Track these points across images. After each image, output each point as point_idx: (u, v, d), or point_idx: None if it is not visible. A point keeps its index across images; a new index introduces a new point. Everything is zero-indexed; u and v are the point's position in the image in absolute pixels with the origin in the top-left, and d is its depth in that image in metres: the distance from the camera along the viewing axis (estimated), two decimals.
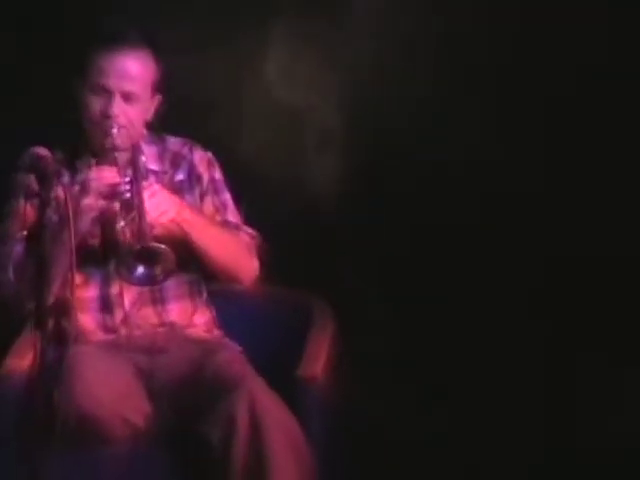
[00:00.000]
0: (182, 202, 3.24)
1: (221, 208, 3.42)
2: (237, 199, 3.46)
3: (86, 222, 3.16)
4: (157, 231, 3.15)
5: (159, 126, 3.46)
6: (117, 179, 3.15)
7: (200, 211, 3.35)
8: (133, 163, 3.24)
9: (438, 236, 3.81)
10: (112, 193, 3.14)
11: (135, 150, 3.27)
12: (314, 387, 3.14)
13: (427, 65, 3.79)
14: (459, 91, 3.81)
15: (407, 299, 3.78)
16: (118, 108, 3.21)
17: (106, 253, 3.27)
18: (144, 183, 3.20)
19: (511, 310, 3.84)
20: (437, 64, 3.80)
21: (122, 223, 3.18)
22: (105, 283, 3.28)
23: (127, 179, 3.16)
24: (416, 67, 3.78)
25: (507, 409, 3.79)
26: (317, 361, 3.21)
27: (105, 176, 3.15)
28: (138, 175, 3.19)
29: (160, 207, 3.14)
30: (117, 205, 3.19)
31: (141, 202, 3.11)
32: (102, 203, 3.15)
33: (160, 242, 3.10)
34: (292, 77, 3.79)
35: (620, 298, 3.83)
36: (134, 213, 3.12)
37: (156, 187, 3.19)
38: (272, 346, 3.35)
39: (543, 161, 3.87)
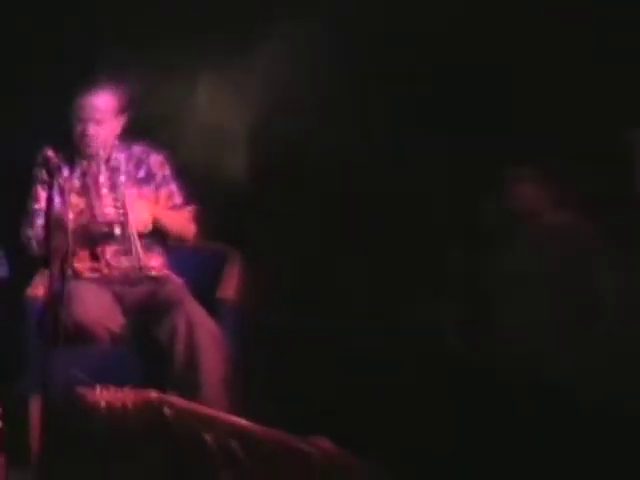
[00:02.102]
0: (150, 204, 3.57)
1: (171, 194, 3.66)
2: (181, 187, 3.65)
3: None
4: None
5: (127, 137, 3.64)
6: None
7: (158, 201, 3.62)
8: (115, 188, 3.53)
9: (315, 208, 3.82)
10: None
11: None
12: (228, 304, 3.42)
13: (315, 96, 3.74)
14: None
15: (290, 249, 3.81)
16: (92, 130, 3.53)
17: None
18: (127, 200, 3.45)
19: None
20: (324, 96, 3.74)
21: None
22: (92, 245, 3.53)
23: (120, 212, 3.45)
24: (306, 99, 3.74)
25: None
26: (229, 288, 3.48)
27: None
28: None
29: (141, 218, 3.48)
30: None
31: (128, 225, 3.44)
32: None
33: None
34: (217, 102, 3.87)
35: None
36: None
37: (138, 204, 3.50)
38: (202, 279, 3.56)
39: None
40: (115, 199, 3.51)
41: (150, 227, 3.46)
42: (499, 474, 2.81)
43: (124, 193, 3.51)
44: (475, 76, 3.55)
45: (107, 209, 3.52)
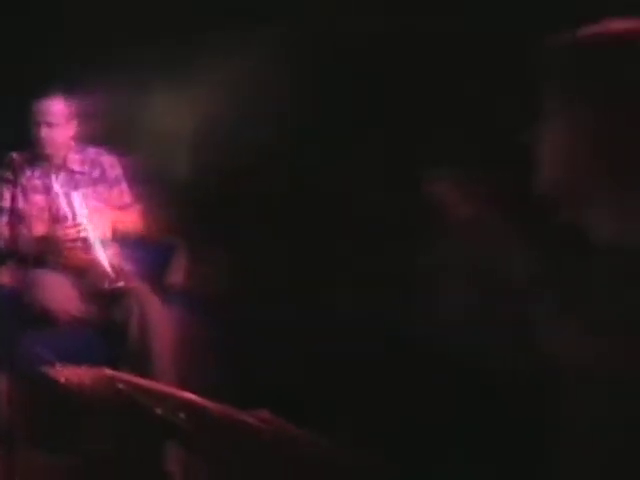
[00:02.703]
0: (107, 212, 3.63)
1: (121, 193, 3.74)
2: (132, 186, 3.72)
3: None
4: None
5: (84, 140, 3.72)
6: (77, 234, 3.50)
7: (113, 205, 3.69)
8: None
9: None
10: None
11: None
12: (176, 289, 3.52)
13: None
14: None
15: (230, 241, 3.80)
16: (45, 133, 3.59)
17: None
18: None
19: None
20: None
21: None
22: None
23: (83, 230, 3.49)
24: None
25: None
26: (177, 275, 3.58)
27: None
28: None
29: (102, 226, 3.54)
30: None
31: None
32: None
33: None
34: (166, 111, 3.92)
35: None
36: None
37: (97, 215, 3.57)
38: (152, 268, 3.61)
39: None
40: (74, 213, 3.53)
41: (110, 235, 3.53)
42: (438, 441, 2.84)
43: (84, 208, 3.54)
44: (397, 82, 3.58)
45: (68, 221, 3.53)
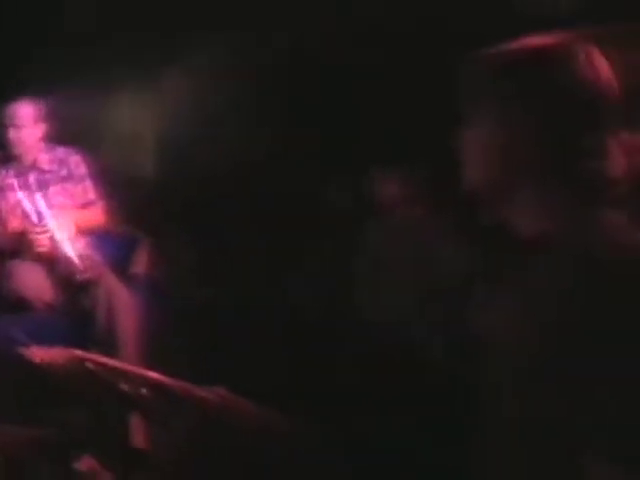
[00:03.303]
0: (72, 206, 3.68)
1: (86, 190, 3.77)
2: (97, 184, 3.74)
3: None
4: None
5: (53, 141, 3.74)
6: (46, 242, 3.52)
7: (79, 202, 3.73)
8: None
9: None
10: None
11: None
12: (140, 277, 3.61)
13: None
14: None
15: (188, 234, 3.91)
16: (13, 134, 3.65)
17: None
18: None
19: None
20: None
21: None
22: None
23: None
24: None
25: None
26: (140, 265, 3.65)
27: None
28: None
29: (68, 223, 3.56)
30: None
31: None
32: None
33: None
34: (131, 115, 4.00)
35: None
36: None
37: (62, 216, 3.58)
38: (118, 258, 3.67)
39: None
40: (40, 213, 3.56)
41: (76, 230, 3.55)
42: (365, 420, 2.88)
43: (49, 207, 3.58)
44: (339, 89, 3.64)
45: (36, 221, 3.56)
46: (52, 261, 3.54)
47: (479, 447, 1.82)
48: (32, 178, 3.70)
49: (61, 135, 3.77)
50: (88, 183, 3.79)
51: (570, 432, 1.58)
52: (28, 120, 3.66)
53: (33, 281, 3.48)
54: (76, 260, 3.52)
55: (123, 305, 3.40)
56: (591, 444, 1.56)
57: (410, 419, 2.77)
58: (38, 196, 3.60)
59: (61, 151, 3.80)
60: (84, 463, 2.75)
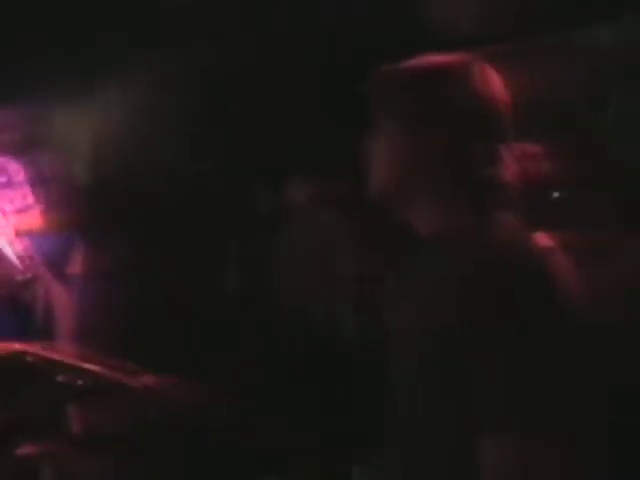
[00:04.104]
0: (11, 211, 3.63)
1: (25, 195, 3.69)
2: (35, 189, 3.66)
3: None
4: None
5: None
6: None
7: (18, 207, 3.65)
8: None
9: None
10: None
11: None
12: (76, 277, 3.47)
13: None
14: None
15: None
16: None
17: None
18: None
19: None
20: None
21: None
22: None
23: None
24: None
25: None
26: (77, 265, 3.52)
27: None
28: None
29: (7, 231, 3.54)
30: None
31: None
32: None
33: None
34: (69, 124, 3.85)
35: None
36: None
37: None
38: (56, 258, 3.58)
39: None
40: None
41: (15, 234, 3.51)
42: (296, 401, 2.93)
43: None
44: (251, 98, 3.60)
45: None
46: None
47: (382, 425, 1.87)
48: None
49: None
50: (27, 189, 3.71)
51: (465, 408, 1.64)
52: None
53: None
54: (16, 261, 3.47)
55: (60, 302, 3.36)
56: (483, 418, 1.61)
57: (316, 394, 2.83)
58: None
59: (1, 159, 3.74)
60: (24, 450, 2.73)
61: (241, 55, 3.53)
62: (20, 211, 3.70)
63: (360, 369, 2.53)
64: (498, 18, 2.99)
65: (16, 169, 3.75)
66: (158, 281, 3.62)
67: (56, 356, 2.79)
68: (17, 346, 2.72)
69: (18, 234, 3.59)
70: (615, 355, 1.95)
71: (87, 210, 3.73)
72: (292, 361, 2.96)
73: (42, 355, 2.74)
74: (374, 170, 1.92)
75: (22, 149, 3.80)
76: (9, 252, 3.48)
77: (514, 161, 1.92)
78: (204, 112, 3.66)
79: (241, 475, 2.83)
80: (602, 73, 3.00)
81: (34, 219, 3.70)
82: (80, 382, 2.65)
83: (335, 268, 3.07)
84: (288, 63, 3.42)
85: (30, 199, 3.72)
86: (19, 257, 3.46)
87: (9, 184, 3.72)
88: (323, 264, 3.13)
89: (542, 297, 1.67)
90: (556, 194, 2.59)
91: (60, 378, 2.66)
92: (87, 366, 2.72)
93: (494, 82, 1.86)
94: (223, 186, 3.56)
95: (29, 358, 2.69)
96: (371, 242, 2.92)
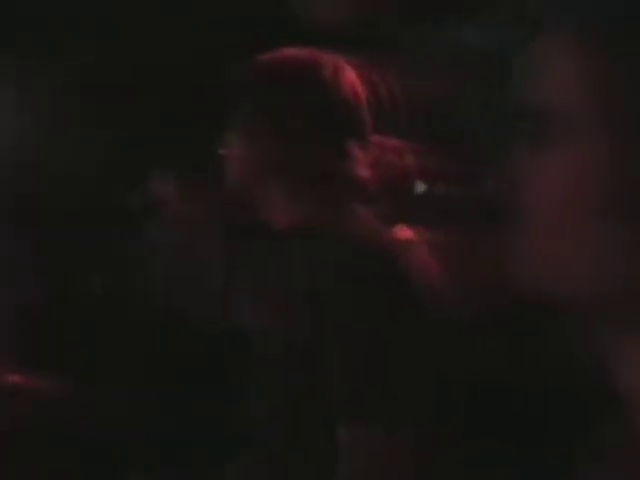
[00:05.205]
0: None
1: None
2: None
3: None
4: None
5: None
6: None
7: None
8: None
9: None
10: None
11: None
12: None
13: None
14: None
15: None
16: None
17: None
18: None
19: None
20: None
21: None
22: None
23: None
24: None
25: None
26: None
27: None
28: None
29: None
30: None
31: None
32: None
33: None
34: None
35: None
36: None
37: None
38: None
39: None
40: None
41: None
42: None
43: None
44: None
45: None
46: None
47: (247, 415, 1.91)
48: None
49: None
50: None
51: (329, 399, 1.66)
52: None
53: None
54: None
55: None
56: (350, 409, 1.63)
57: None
58: None
59: None
60: None
61: (108, 54, 3.52)
62: None
63: (226, 366, 2.54)
64: (367, 14, 3.03)
65: None
66: (30, 280, 3.56)
67: None
68: None
69: None
70: (474, 350, 1.97)
71: None
72: (159, 359, 2.97)
73: None
74: (229, 166, 1.92)
75: None
76: None
77: (372, 156, 1.92)
78: (74, 112, 3.62)
79: (109, 473, 2.79)
80: (469, 73, 3.05)
81: None
82: None
83: (198, 264, 3.10)
84: (151, 59, 3.42)
85: None
86: None
87: None
88: (187, 260, 3.15)
89: (394, 289, 1.68)
90: (422, 189, 2.61)
91: None
92: None
93: (348, 77, 1.87)
94: (92, 185, 3.55)
95: None
96: (229, 237, 2.95)
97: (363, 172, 1.84)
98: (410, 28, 3.08)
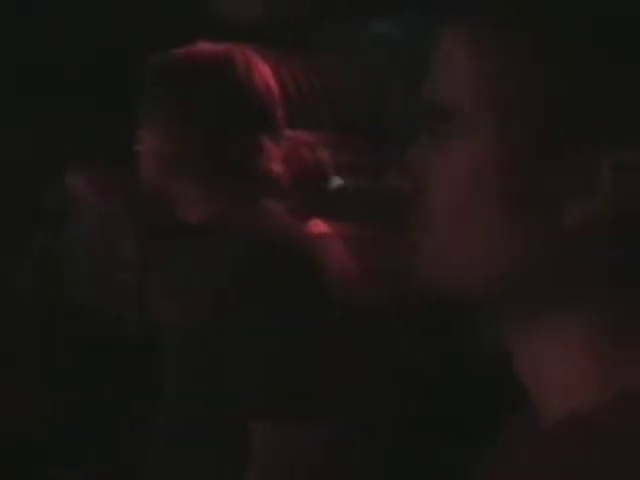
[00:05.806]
0: None
1: None
2: None
3: None
4: None
5: None
6: None
7: None
8: None
9: None
10: None
11: None
12: None
13: None
14: None
15: None
16: None
17: None
18: None
19: None
20: None
21: None
22: None
23: None
24: None
25: None
26: None
27: None
28: None
29: None
30: None
31: None
32: None
33: None
34: None
35: None
36: None
37: None
38: None
39: None
40: None
41: None
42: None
43: None
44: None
45: None
46: None
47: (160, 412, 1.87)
48: None
49: None
50: None
51: (240, 397, 1.64)
52: None
53: None
54: None
55: None
56: (260, 408, 1.63)
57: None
58: None
59: None
60: None
61: (15, 47, 3.46)
62: None
63: (142, 364, 2.53)
64: (282, 8, 3.04)
65: None
66: None
67: None
68: None
69: None
70: (391, 342, 1.97)
71: None
72: (76, 357, 2.94)
73: None
74: (143, 162, 1.90)
75: None
76: None
77: (285, 151, 1.91)
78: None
79: (31, 467, 2.79)
80: (383, 65, 3.07)
81: None
82: None
83: (117, 260, 3.08)
84: (64, 53, 3.40)
85: None
86: None
87: None
88: (102, 258, 3.14)
89: (306, 285, 1.67)
90: (338, 183, 2.61)
91: None
92: None
93: (261, 72, 1.85)
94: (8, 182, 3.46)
95: None
96: (143, 234, 2.94)
97: (276, 167, 1.83)
98: (325, 25, 3.11)
